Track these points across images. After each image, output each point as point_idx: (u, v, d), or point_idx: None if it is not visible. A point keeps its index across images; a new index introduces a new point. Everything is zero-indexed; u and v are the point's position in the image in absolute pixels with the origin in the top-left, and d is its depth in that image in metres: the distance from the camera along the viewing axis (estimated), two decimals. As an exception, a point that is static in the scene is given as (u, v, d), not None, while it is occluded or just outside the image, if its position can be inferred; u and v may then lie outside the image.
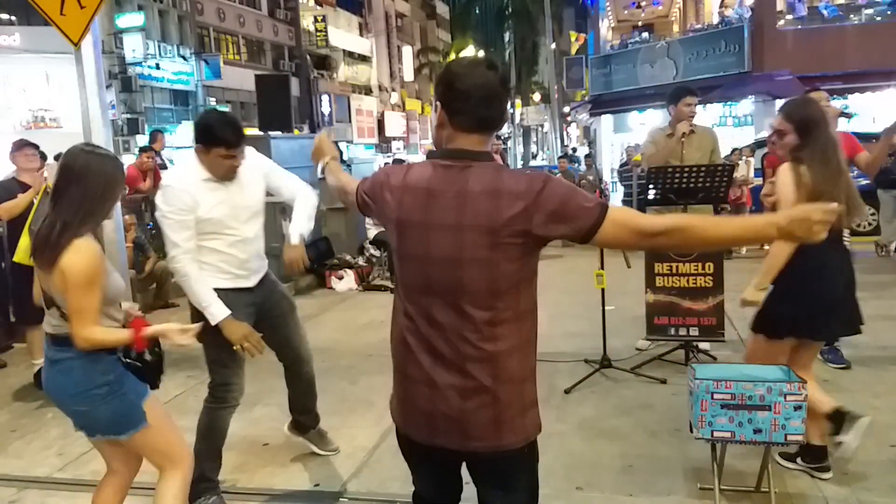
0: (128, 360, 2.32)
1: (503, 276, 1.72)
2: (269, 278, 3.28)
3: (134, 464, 2.56)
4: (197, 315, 2.97)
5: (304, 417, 3.62)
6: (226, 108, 30.15)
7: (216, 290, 2.93)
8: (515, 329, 1.77)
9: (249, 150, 3.16)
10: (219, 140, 2.90)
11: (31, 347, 5.19)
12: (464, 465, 1.92)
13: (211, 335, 2.90)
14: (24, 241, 4.59)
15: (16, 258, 4.83)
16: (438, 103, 1.82)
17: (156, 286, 7.34)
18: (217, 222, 2.97)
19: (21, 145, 5.28)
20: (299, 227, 3.15)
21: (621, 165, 15.53)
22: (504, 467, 1.83)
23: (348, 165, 10.58)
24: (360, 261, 8.91)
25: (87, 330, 2.21)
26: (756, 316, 3.15)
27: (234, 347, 2.94)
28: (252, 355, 2.99)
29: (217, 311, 2.91)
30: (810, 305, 3.01)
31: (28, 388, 5.04)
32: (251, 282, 3.14)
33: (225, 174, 2.98)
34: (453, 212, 1.72)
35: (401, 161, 14.87)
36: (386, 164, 17.12)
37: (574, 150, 23.73)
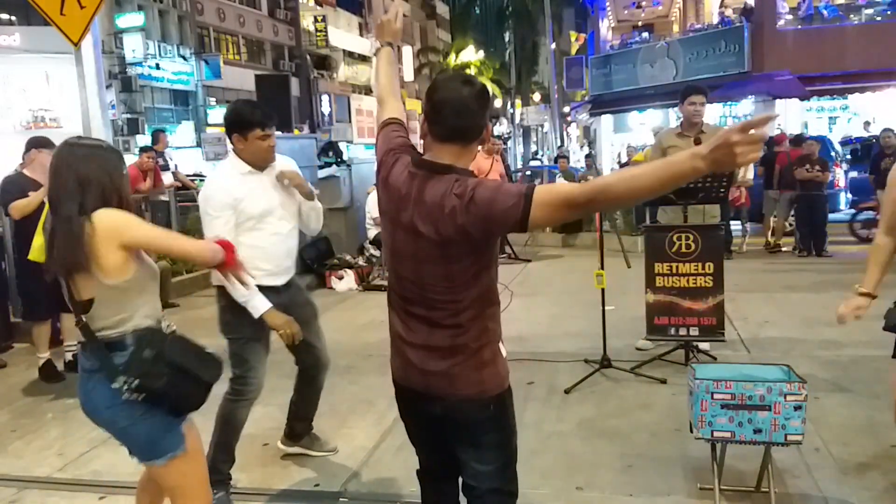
0: (124, 395, 2.13)
1: (458, 272, 1.93)
2: (295, 282, 3.33)
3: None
4: (225, 311, 3.05)
5: (300, 425, 3.62)
6: (225, 108, 30.15)
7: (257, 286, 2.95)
8: (475, 308, 1.98)
9: (288, 159, 3.27)
10: (254, 122, 2.99)
11: (38, 342, 5.19)
12: None
13: (235, 328, 3.01)
14: (39, 240, 4.57)
15: (31, 256, 4.83)
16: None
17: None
18: (258, 216, 3.04)
19: (45, 143, 5.25)
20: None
21: (622, 165, 15.53)
22: (468, 421, 2.03)
23: (348, 165, 10.57)
24: (360, 261, 8.92)
25: (187, 244, 2.26)
26: None
27: (280, 333, 3.01)
28: (291, 343, 3.08)
29: (259, 304, 2.96)
30: None
31: (28, 388, 5.04)
32: (281, 280, 3.17)
33: (266, 157, 3.06)
34: (411, 217, 1.92)
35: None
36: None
37: (567, 150, 23.67)
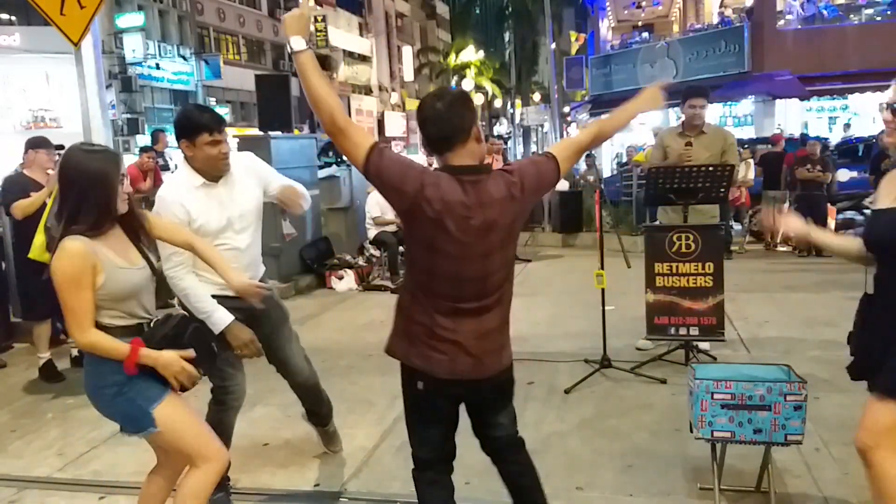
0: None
1: (513, 250, 2.38)
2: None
3: (174, 456, 2.51)
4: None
5: (311, 416, 3.60)
6: (225, 109, 30.17)
7: (214, 296, 2.86)
8: (510, 279, 2.37)
9: (245, 154, 3.15)
10: (200, 126, 2.81)
11: (38, 342, 5.19)
12: None
13: (209, 340, 2.85)
14: (39, 239, 4.62)
15: (31, 255, 4.87)
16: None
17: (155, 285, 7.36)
18: (212, 232, 2.88)
19: (42, 143, 5.30)
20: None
21: (622, 165, 15.52)
22: (510, 383, 2.47)
23: (348, 166, 10.57)
24: (360, 261, 8.92)
25: (80, 331, 2.22)
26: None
27: (237, 351, 2.92)
28: (252, 357, 2.99)
29: (220, 319, 2.86)
30: None
31: (28, 388, 5.04)
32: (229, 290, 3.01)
33: (217, 166, 2.87)
34: (483, 217, 2.16)
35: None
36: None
37: None
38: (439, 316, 2.21)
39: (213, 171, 2.89)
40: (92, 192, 2.23)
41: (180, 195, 2.85)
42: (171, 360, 2.30)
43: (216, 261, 2.59)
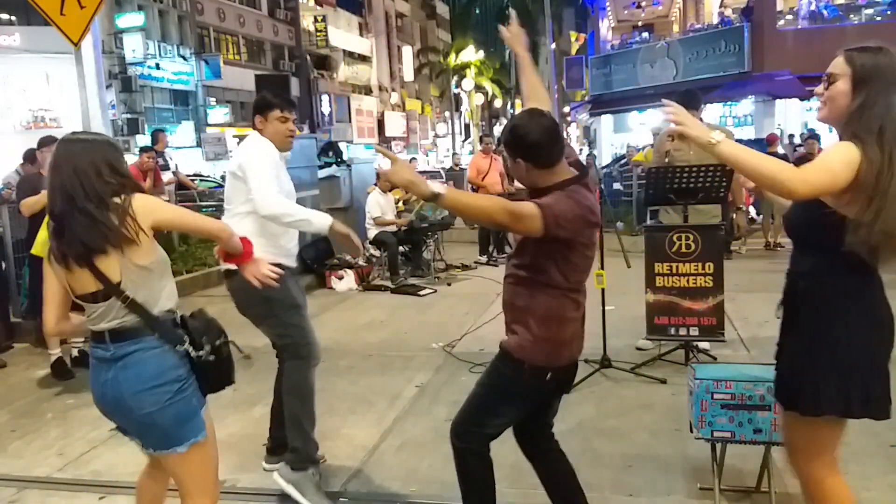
0: (199, 355, 2.20)
1: None
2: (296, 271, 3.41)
3: None
4: (250, 299, 3.00)
5: (280, 432, 3.34)
6: (225, 109, 30.17)
7: (275, 264, 2.76)
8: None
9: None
10: (273, 104, 3.17)
11: (48, 339, 5.19)
12: None
13: (288, 297, 3.07)
14: (43, 234, 4.69)
15: (34, 251, 4.93)
16: (519, 159, 2.33)
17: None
18: (285, 194, 3.12)
19: (50, 142, 5.39)
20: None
21: (622, 165, 15.50)
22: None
23: (348, 165, 10.57)
24: (360, 261, 8.91)
25: (209, 221, 2.38)
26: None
27: (347, 242, 3.08)
28: (355, 255, 3.19)
29: (323, 220, 3.03)
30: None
31: (28, 388, 5.04)
32: (294, 262, 3.27)
33: (283, 141, 3.20)
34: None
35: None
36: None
37: None
38: (581, 307, 2.45)
39: (280, 144, 3.20)
40: (102, 168, 2.20)
41: (270, 148, 3.15)
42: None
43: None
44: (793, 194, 1.97)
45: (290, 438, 3.17)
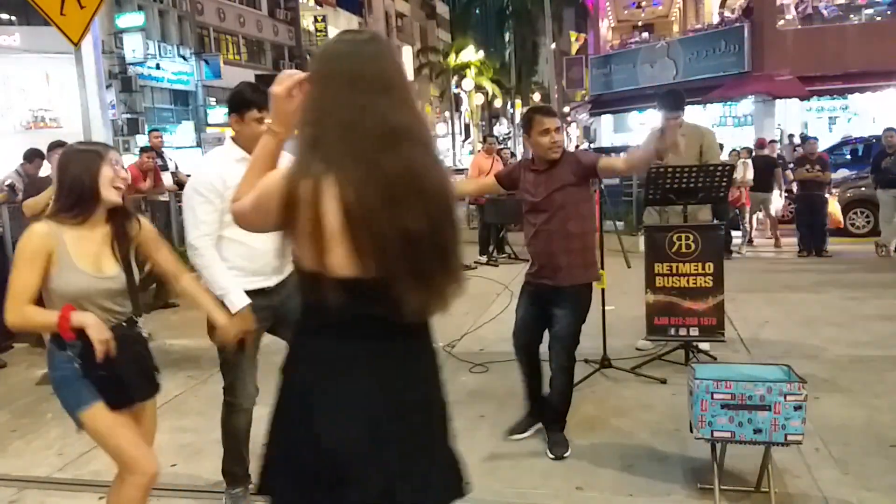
0: (76, 365, 2.29)
1: None
2: (291, 281, 2.94)
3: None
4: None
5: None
6: (225, 109, 30.13)
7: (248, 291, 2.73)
8: None
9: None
10: (251, 102, 2.79)
11: (46, 338, 5.22)
12: None
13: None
14: None
15: None
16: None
17: (156, 286, 7.35)
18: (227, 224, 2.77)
19: (56, 145, 5.48)
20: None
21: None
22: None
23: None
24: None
25: (13, 308, 2.21)
26: None
27: (219, 334, 2.77)
28: (221, 349, 2.90)
29: (237, 300, 2.75)
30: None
31: (28, 388, 5.03)
32: (271, 281, 2.91)
33: None
34: None
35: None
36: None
37: None
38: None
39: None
40: (74, 177, 2.30)
41: (220, 164, 2.81)
42: (96, 322, 2.24)
43: (200, 296, 2.62)
44: None
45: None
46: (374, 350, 1.50)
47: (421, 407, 1.54)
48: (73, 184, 2.29)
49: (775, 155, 11.22)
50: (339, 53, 1.50)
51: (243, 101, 2.81)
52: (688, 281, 4.75)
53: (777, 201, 10.50)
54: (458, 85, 44.44)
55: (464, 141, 49.44)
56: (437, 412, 1.61)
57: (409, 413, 1.51)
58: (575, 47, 33.45)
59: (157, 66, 26.46)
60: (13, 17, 22.18)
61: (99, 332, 2.22)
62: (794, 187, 10.43)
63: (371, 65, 1.47)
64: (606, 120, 26.62)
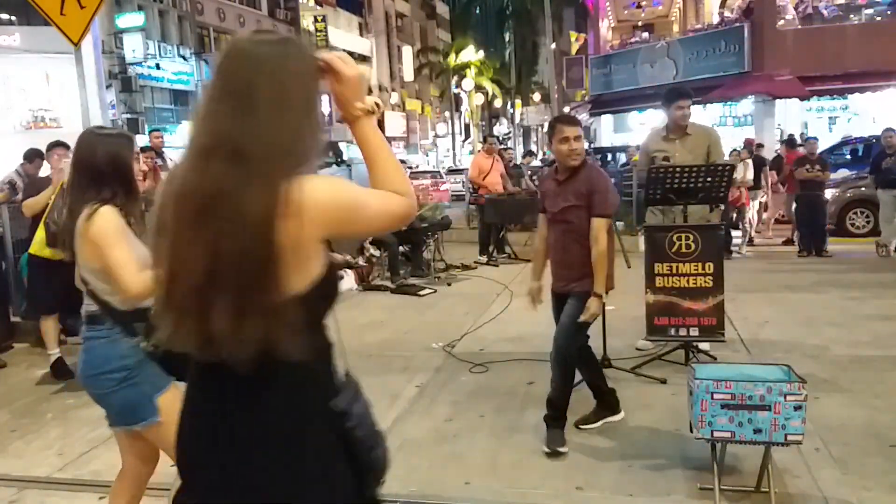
0: (146, 347, 2.22)
1: None
2: None
3: (150, 459, 2.52)
4: None
5: None
6: (226, 108, 30.12)
7: None
8: None
9: None
10: None
11: (46, 339, 5.20)
12: None
13: None
14: (40, 234, 4.73)
15: (31, 250, 4.95)
16: None
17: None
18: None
19: (55, 145, 5.45)
20: None
21: (622, 166, 15.51)
22: None
23: (348, 165, 10.57)
24: (360, 261, 8.91)
25: (135, 279, 2.17)
26: None
27: None
28: None
29: None
30: None
31: (28, 388, 5.04)
32: None
33: None
34: None
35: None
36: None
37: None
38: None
39: None
40: (109, 173, 2.29)
41: None
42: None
43: None
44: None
45: None
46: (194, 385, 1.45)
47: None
48: (117, 183, 2.30)
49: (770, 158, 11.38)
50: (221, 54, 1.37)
51: None
52: (688, 281, 4.75)
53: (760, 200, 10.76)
54: (458, 85, 44.46)
55: (464, 141, 49.44)
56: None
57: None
58: (575, 47, 33.43)
59: (157, 66, 26.45)
60: (13, 17, 22.16)
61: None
62: (781, 188, 10.71)
63: (227, 65, 1.33)
64: (606, 120, 26.63)
